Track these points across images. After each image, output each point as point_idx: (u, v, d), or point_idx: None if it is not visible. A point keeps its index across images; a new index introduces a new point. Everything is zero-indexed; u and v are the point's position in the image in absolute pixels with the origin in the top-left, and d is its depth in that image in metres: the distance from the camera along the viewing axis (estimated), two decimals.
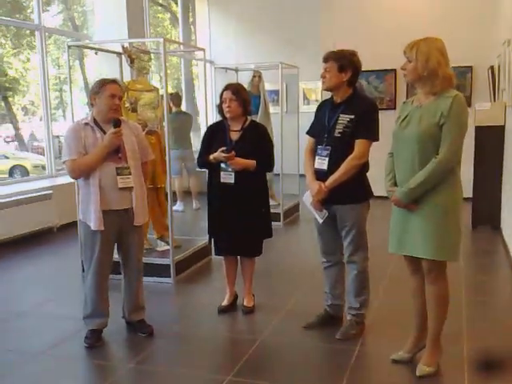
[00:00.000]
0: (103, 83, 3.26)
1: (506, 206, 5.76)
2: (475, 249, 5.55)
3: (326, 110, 3.30)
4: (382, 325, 3.55)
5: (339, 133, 3.20)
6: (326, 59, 3.23)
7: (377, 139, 3.23)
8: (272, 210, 6.67)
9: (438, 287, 2.83)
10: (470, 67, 7.81)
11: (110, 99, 3.23)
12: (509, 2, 6.07)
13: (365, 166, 3.26)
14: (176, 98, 7.70)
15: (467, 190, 6.13)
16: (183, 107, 8.04)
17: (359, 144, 3.17)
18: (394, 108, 8.03)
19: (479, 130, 6.13)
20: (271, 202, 6.73)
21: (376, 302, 3.87)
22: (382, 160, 3.02)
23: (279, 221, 6.60)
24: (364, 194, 3.32)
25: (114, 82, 3.31)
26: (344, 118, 3.19)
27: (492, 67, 7.08)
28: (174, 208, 7.51)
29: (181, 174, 7.78)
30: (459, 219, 2.79)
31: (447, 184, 2.72)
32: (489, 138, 6.07)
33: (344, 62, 3.19)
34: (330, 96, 3.36)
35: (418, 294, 2.95)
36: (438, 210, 2.73)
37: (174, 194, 7.59)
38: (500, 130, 6.03)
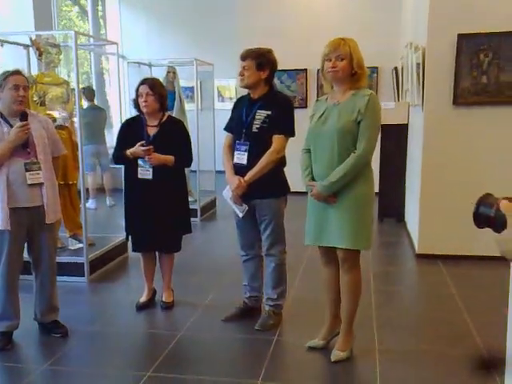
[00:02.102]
0: (5, 76, 3.12)
1: (409, 200, 6.14)
2: (382, 241, 5.87)
3: (244, 106, 3.36)
4: (298, 314, 3.67)
5: (257, 128, 3.27)
6: (243, 57, 3.28)
7: (293, 135, 3.34)
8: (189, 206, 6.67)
9: (352, 276, 2.97)
10: (376, 68, 8.22)
11: (13, 91, 3.08)
12: (411, 7, 6.47)
13: (282, 161, 3.36)
14: (89, 93, 7.48)
15: (374, 185, 6.56)
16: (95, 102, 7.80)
17: (276, 139, 3.26)
18: (306, 106, 8.27)
19: (384, 128, 6.40)
20: (189, 199, 6.76)
21: (292, 292, 3.99)
22: (297, 156, 3.12)
23: (196, 217, 6.62)
24: (282, 188, 3.42)
25: (17, 72, 3.16)
26: (261, 114, 3.27)
27: (396, 68, 7.51)
28: (87, 205, 7.28)
29: (94, 171, 7.55)
30: (372, 210, 2.98)
31: (363, 177, 2.88)
32: (393, 136, 6.41)
33: (262, 60, 3.26)
34: (246, 93, 3.42)
35: (331, 284, 3.08)
36: (354, 202, 2.88)
37: (87, 190, 7.36)
38: (404, 128, 6.40)
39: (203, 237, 6.11)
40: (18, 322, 3.29)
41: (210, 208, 7.27)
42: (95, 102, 7.67)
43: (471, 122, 4.76)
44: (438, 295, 4.12)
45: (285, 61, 7.56)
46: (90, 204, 7.37)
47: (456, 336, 3.34)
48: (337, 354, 3.01)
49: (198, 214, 6.72)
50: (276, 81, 8.30)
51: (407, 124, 6.36)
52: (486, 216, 1.28)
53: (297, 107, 8.25)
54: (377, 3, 8.13)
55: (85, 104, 7.47)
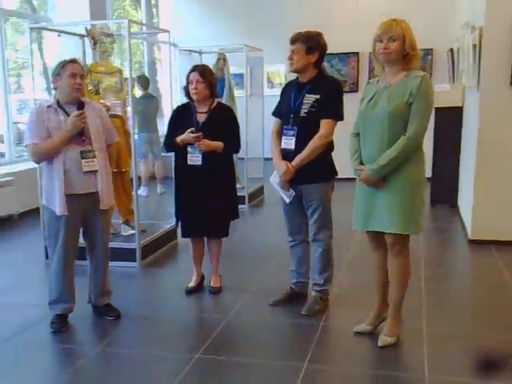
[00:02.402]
0: (63, 64, 3.21)
1: (463, 185, 5.96)
2: (434, 226, 5.73)
3: (292, 91, 3.34)
4: (346, 300, 3.65)
5: (305, 113, 3.24)
6: (293, 41, 3.25)
7: (342, 119, 3.29)
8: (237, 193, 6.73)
9: (401, 260, 2.93)
10: (431, 49, 7.97)
11: (71, 78, 3.18)
12: None
13: (330, 146, 3.33)
14: (143, 81, 7.59)
15: (426, 170, 6.40)
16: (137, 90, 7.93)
17: (325, 123, 3.23)
18: (357, 90, 8.14)
19: (438, 111, 6.27)
20: (237, 185, 6.82)
21: (340, 278, 3.98)
22: (345, 140, 3.08)
23: (244, 203, 6.65)
24: (329, 172, 3.39)
25: (73, 61, 3.26)
26: (310, 98, 3.24)
27: (451, 49, 7.25)
28: (139, 193, 7.47)
29: (146, 158, 7.72)
30: (424, 193, 2.92)
31: (414, 160, 2.82)
32: (447, 119, 6.23)
33: (312, 44, 3.22)
34: (295, 77, 3.40)
35: (380, 269, 3.05)
36: (404, 186, 2.82)
37: (139, 178, 7.55)
38: (458, 111, 6.20)
39: (251, 223, 6.16)
40: (74, 305, 3.42)
41: (258, 195, 7.30)
42: (149, 90, 7.79)
43: None
44: (490, 282, 4.00)
45: (335, 44, 7.49)
46: (142, 191, 7.55)
47: (506, 324, 3.24)
48: (384, 339, 2.98)
49: (246, 200, 6.75)
50: (326, 64, 8.20)
51: (462, 106, 6.15)
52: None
53: (347, 91, 8.20)
54: None
55: (139, 93, 7.62)
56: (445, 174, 6.33)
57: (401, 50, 2.75)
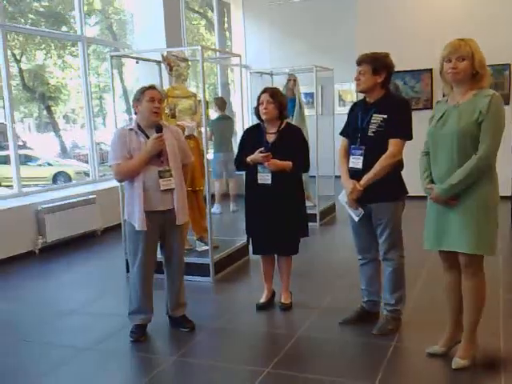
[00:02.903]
0: (143, 90, 3.46)
1: None
2: None
3: (359, 111, 3.39)
4: (419, 321, 3.59)
5: (373, 132, 3.28)
6: (359, 62, 3.31)
7: (410, 138, 3.29)
8: (308, 211, 6.79)
9: (475, 282, 2.87)
10: (508, 64, 7.72)
11: (150, 103, 3.41)
12: None
13: (399, 165, 3.33)
14: (221, 103, 7.90)
15: (506, 188, 6.17)
16: (213, 111, 8.23)
17: (393, 143, 3.25)
18: (431, 107, 7.99)
19: None
20: (307, 204, 6.86)
21: (414, 298, 3.93)
22: (416, 159, 3.07)
23: (315, 221, 6.69)
24: (399, 191, 3.39)
25: (152, 87, 3.50)
26: (377, 118, 3.27)
27: None
28: (212, 210, 7.71)
29: (222, 178, 7.97)
30: (497, 214, 2.85)
31: (486, 179, 2.78)
32: None
33: (378, 65, 3.27)
34: (362, 97, 3.45)
35: (453, 290, 3.00)
36: (477, 205, 2.78)
37: (213, 196, 7.79)
38: None
39: (322, 241, 6.18)
40: (152, 315, 3.61)
41: (329, 213, 7.31)
42: (225, 112, 8.07)
43: None
44: None
45: (408, 61, 7.50)
46: (215, 209, 7.80)
47: None
48: (458, 361, 2.91)
49: (317, 218, 6.78)
50: (399, 82, 8.15)
51: None
52: None
53: (421, 108, 8.10)
54: None
55: (215, 114, 7.91)
56: None
57: (469, 70, 2.73)
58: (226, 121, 7.89)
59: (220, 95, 10.63)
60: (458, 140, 2.75)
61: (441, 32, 7.38)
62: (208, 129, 7.95)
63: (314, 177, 6.84)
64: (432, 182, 2.92)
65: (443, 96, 3.06)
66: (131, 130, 3.45)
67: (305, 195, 4.12)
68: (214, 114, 7.96)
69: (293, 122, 6.39)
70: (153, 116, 3.43)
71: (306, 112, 7.45)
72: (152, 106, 3.41)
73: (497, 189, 2.85)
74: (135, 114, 3.52)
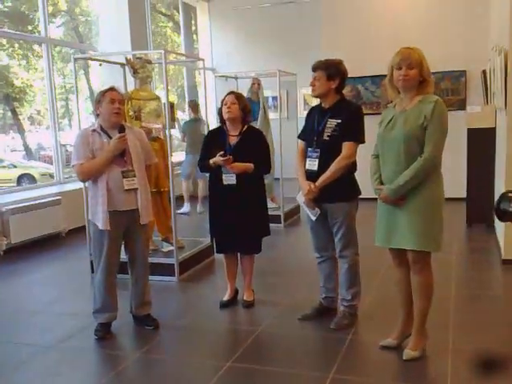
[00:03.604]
0: (103, 92, 3.56)
1: None
2: (468, 246, 5.76)
3: (316, 115, 3.55)
4: (374, 315, 3.77)
5: (328, 136, 3.44)
6: (314, 68, 3.48)
7: (363, 141, 3.48)
8: (273, 213, 6.91)
9: (423, 277, 3.05)
10: (464, 71, 8.04)
11: (110, 104, 3.49)
12: (498, 9, 6.31)
13: (353, 166, 3.51)
14: (194, 105, 8.06)
15: (462, 190, 6.44)
16: (186, 114, 8.33)
17: (346, 146, 3.42)
18: None
19: (471, 132, 6.36)
20: (272, 205, 7.03)
21: (371, 293, 4.11)
22: (369, 162, 3.24)
23: (280, 222, 6.84)
24: (352, 192, 3.56)
25: (112, 89, 3.59)
26: (332, 122, 3.44)
27: (484, 71, 7.31)
28: (181, 210, 7.92)
29: (190, 179, 8.08)
30: (442, 212, 3.03)
31: (431, 180, 2.96)
32: (480, 140, 6.28)
33: (332, 71, 3.44)
34: (317, 103, 3.61)
35: (403, 285, 3.17)
36: (423, 204, 2.96)
37: (181, 197, 7.93)
38: (491, 132, 6.25)
39: (286, 241, 6.33)
40: (116, 314, 3.68)
41: (293, 214, 7.46)
42: (185, 114, 8.17)
43: None
44: None
45: (369, 67, 7.71)
46: (185, 208, 8.00)
47: None
48: (408, 352, 3.09)
49: (282, 219, 6.93)
50: (360, 87, 8.38)
51: (494, 127, 6.20)
52: (505, 210, 1.36)
53: (381, 113, 8.28)
54: (465, 5, 7.93)
55: (188, 116, 8.02)
56: (481, 194, 6.34)
57: (418, 77, 2.92)
58: (197, 123, 8.00)
59: (188, 97, 10.71)
60: (404, 143, 2.93)
61: (401, 40, 7.60)
62: (181, 131, 8.10)
63: (279, 179, 6.99)
64: (382, 182, 3.09)
65: (390, 102, 3.24)
66: (94, 130, 3.53)
67: (269, 196, 4.25)
68: (186, 116, 8.05)
69: (257, 125, 6.56)
70: (113, 117, 3.50)
71: (271, 115, 7.60)
72: (112, 107, 3.49)
73: (442, 189, 3.03)
74: (97, 115, 3.59)
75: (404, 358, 3.08)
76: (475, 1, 7.84)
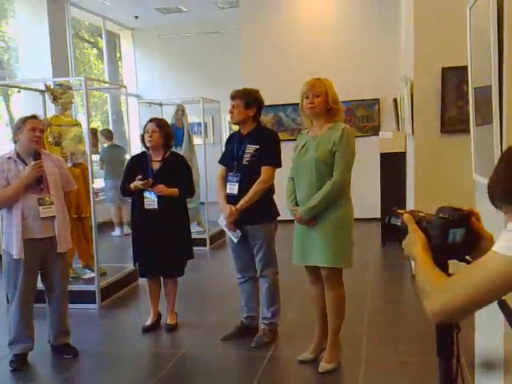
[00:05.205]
0: (24, 120, 3.51)
1: None
2: (383, 263, 6.07)
3: (235, 142, 3.70)
4: (294, 332, 3.90)
5: (247, 161, 3.59)
6: (233, 97, 3.64)
7: (280, 165, 3.65)
8: (198, 236, 6.95)
9: (336, 292, 3.23)
10: (378, 99, 8.54)
11: (30, 132, 3.46)
12: (405, 42, 6.81)
13: (270, 189, 3.66)
14: (106, 133, 8.17)
15: (376, 211, 6.79)
16: (115, 140, 8.36)
17: (264, 170, 3.58)
18: None
19: (384, 156, 6.76)
20: (198, 229, 7.08)
21: (291, 311, 4.25)
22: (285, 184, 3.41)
23: (205, 246, 6.91)
24: (271, 214, 3.71)
25: (33, 117, 3.56)
26: (251, 148, 3.60)
27: (395, 99, 7.81)
28: (113, 234, 8.06)
29: (116, 202, 8.04)
30: (351, 232, 3.23)
31: (340, 202, 3.17)
32: (392, 164, 6.69)
33: (249, 100, 3.61)
34: (237, 129, 3.76)
35: (318, 301, 3.34)
36: (333, 225, 3.15)
37: (112, 222, 8.07)
38: (402, 156, 6.67)
39: (211, 264, 6.41)
40: (33, 344, 3.57)
41: (219, 237, 7.53)
42: (114, 141, 8.20)
43: (458, 148, 4.99)
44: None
45: (289, 95, 8.01)
46: (116, 231, 8.15)
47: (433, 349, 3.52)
48: (323, 365, 3.23)
49: (208, 242, 7.00)
50: (282, 114, 8.68)
51: (405, 152, 6.63)
52: (395, 225, 1.53)
53: None
54: (377, 37, 8.45)
55: (105, 143, 8.05)
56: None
57: (324, 105, 3.13)
58: (115, 149, 8.08)
59: (111, 123, 10.64)
60: (316, 167, 3.12)
61: (319, 69, 8.01)
62: (99, 157, 8.06)
63: (204, 203, 7.07)
64: (297, 204, 3.26)
65: (304, 129, 3.44)
66: (9, 158, 3.48)
67: (195, 220, 4.32)
68: (104, 143, 8.09)
69: (182, 151, 6.64)
70: (32, 145, 3.47)
71: (196, 141, 7.71)
72: (33, 135, 3.46)
73: (351, 210, 3.25)
74: (14, 142, 3.54)
75: (319, 370, 3.22)
76: (387, 35, 8.39)
